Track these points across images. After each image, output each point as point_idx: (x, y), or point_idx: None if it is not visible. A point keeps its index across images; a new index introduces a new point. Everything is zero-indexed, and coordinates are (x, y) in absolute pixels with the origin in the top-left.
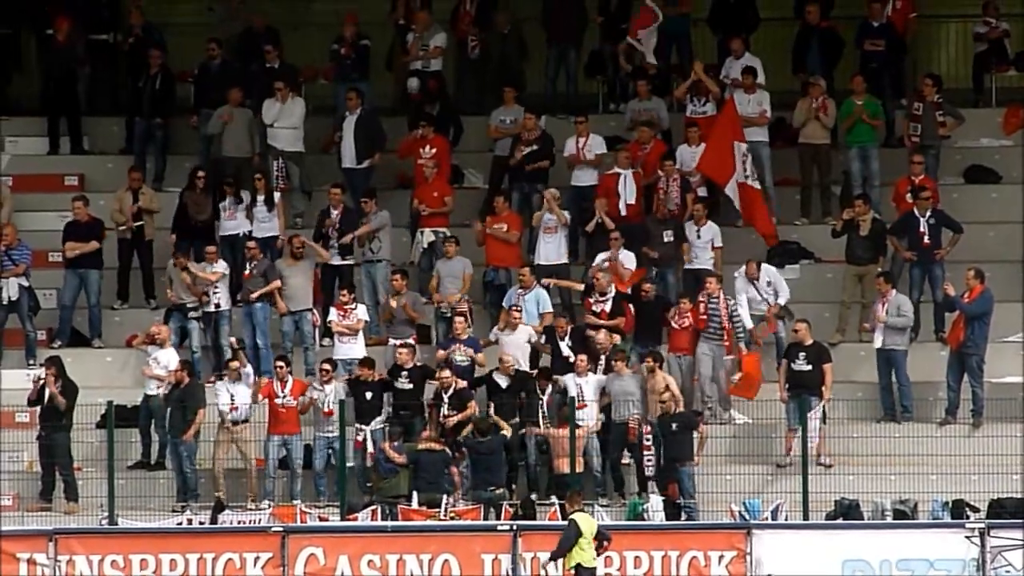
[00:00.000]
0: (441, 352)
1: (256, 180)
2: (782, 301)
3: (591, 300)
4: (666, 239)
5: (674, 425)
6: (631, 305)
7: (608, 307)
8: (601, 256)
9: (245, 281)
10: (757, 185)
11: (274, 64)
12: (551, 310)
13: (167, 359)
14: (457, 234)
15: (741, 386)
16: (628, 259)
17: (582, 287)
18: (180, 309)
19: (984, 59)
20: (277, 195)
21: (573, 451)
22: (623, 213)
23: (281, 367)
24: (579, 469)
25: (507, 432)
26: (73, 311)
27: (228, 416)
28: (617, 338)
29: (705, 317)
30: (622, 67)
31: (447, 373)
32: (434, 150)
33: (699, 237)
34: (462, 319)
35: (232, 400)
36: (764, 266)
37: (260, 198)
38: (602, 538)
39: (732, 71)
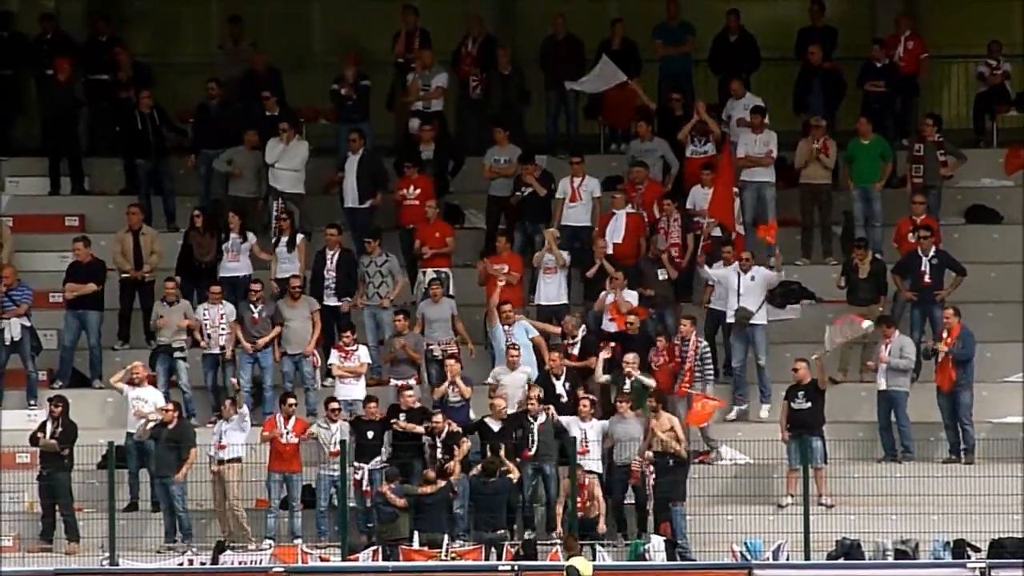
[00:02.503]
0: (439, 389)
1: (282, 221)
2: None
3: (566, 343)
4: (660, 277)
5: (671, 461)
6: (618, 343)
7: (576, 350)
8: (607, 296)
9: (253, 325)
10: (742, 230)
11: (274, 112)
12: (537, 333)
13: (155, 398)
14: (458, 275)
15: (695, 414)
16: (631, 298)
17: (558, 331)
18: (166, 350)
19: (985, 100)
20: (299, 237)
21: (574, 493)
22: (609, 251)
23: (291, 404)
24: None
25: (514, 476)
26: (74, 352)
27: (213, 455)
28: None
29: (679, 360)
30: (647, 105)
31: (439, 417)
32: (418, 190)
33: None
34: (453, 361)
35: (220, 439)
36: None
37: (284, 239)
38: None
39: (735, 111)
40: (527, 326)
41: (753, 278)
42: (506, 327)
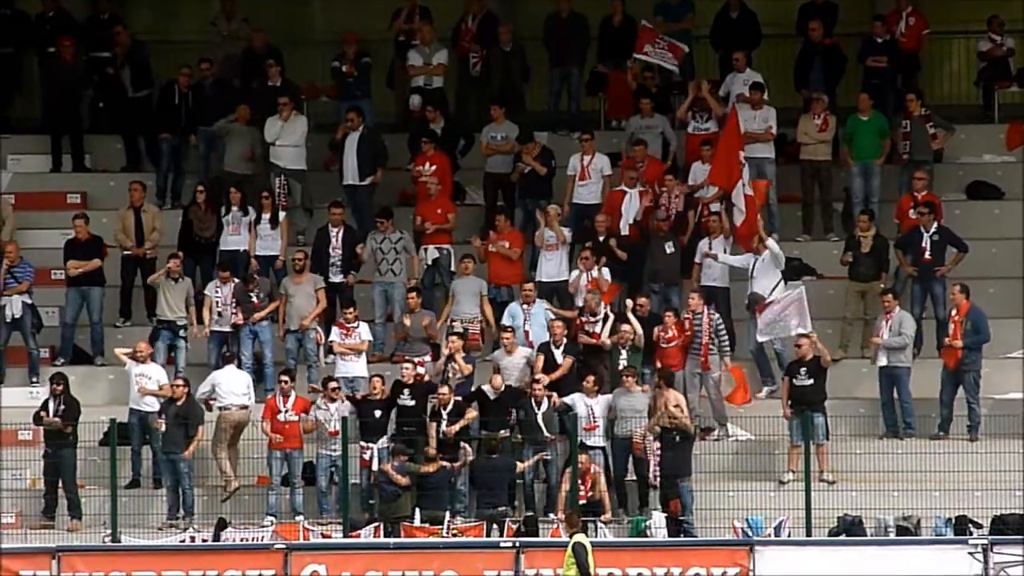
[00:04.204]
0: (437, 365)
1: (263, 198)
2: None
3: (583, 320)
4: (668, 250)
5: (677, 436)
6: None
7: (599, 328)
8: (575, 274)
9: (252, 309)
10: (750, 191)
11: (276, 82)
12: (553, 316)
13: (158, 375)
14: (458, 252)
15: (732, 394)
16: (605, 274)
17: (573, 313)
18: (169, 327)
19: (990, 74)
20: (282, 214)
21: (574, 471)
22: (624, 232)
23: (285, 382)
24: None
25: (522, 466)
26: (75, 329)
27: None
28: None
29: (689, 333)
30: (629, 84)
31: (445, 390)
32: (434, 167)
33: (711, 249)
34: (456, 338)
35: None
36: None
37: (265, 216)
38: None
39: (734, 87)
40: (545, 309)
41: (764, 260)
42: (525, 306)
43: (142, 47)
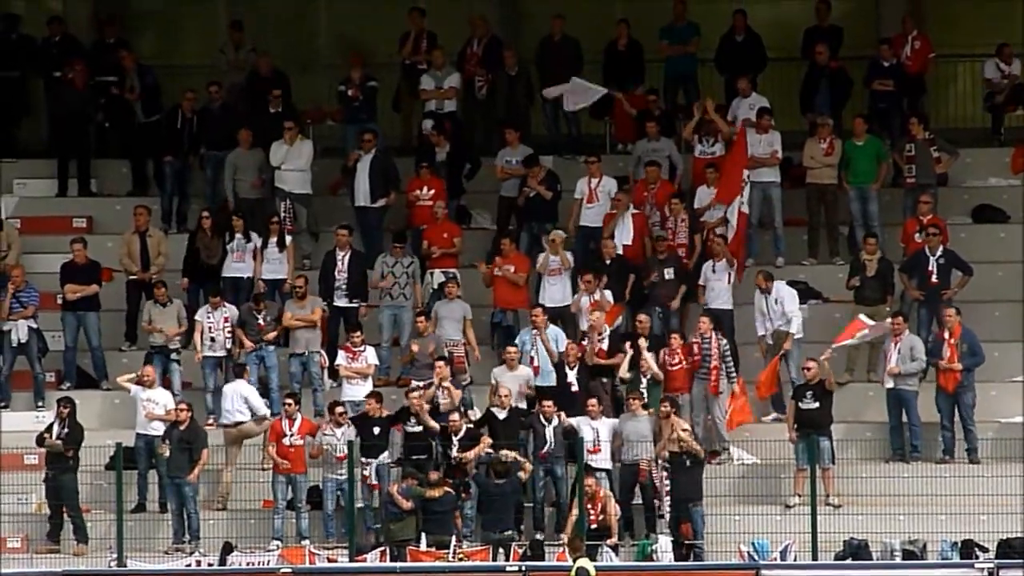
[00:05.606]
0: (427, 392)
1: (272, 223)
2: (793, 330)
3: (582, 344)
4: (667, 276)
5: (688, 461)
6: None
7: (605, 345)
8: (578, 296)
9: (259, 332)
10: (746, 209)
11: (278, 109)
12: (564, 348)
13: (164, 399)
14: (465, 275)
15: (736, 412)
16: (607, 296)
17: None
18: (162, 351)
19: (996, 102)
20: (289, 239)
21: (581, 494)
22: (619, 252)
23: (289, 404)
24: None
25: (525, 474)
26: (75, 353)
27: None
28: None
29: (698, 358)
30: (627, 111)
31: (456, 416)
32: (431, 191)
33: (714, 272)
34: (442, 363)
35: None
36: (778, 284)
37: (272, 240)
38: None
39: (740, 111)
40: (559, 334)
41: (777, 300)
42: (535, 331)
43: (151, 72)
